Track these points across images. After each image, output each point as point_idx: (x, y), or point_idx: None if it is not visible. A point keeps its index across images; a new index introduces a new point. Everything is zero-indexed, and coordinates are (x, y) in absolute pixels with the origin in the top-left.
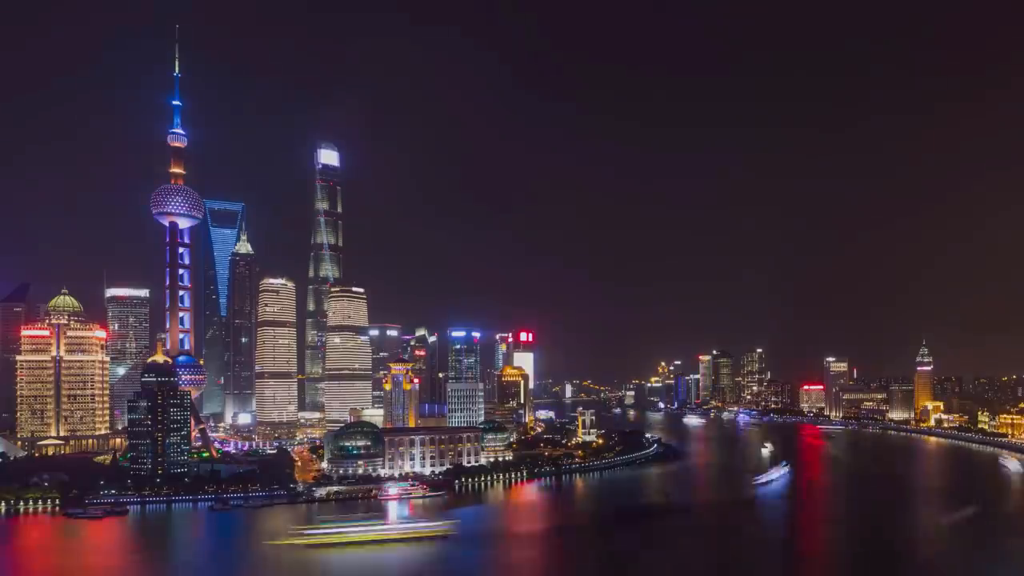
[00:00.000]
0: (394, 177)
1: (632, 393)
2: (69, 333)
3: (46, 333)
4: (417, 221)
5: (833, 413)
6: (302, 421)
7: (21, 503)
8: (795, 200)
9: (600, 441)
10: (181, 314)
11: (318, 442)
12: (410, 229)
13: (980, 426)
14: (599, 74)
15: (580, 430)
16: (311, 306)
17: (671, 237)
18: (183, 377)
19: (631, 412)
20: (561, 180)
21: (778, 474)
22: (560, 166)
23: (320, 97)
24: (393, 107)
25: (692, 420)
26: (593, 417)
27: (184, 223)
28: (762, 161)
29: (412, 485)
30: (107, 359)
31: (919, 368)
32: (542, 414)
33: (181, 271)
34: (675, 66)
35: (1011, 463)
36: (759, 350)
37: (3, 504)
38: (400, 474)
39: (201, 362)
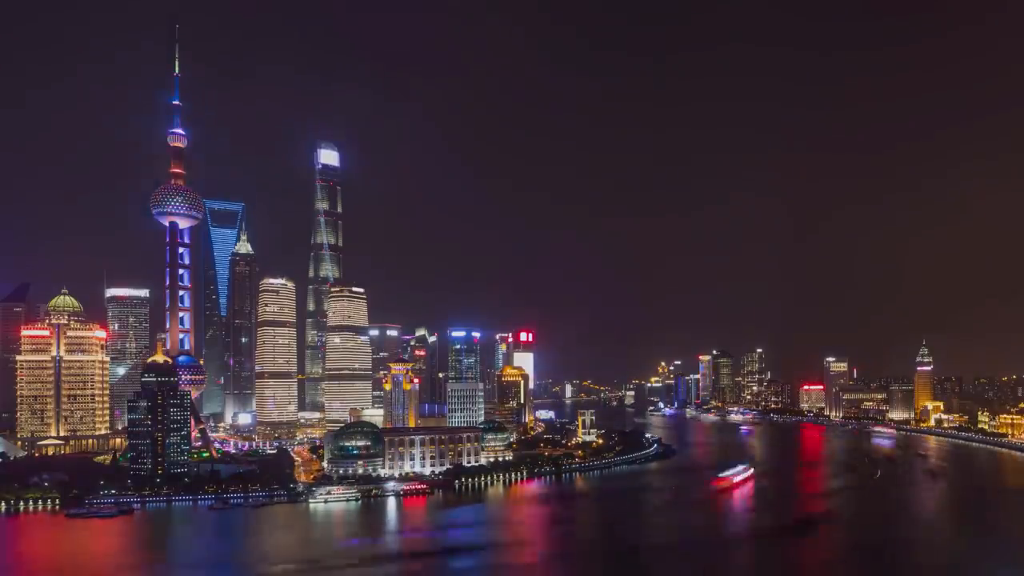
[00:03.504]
0: (394, 177)
1: (632, 393)
2: (69, 333)
3: (46, 333)
4: (417, 221)
5: (833, 413)
6: (302, 421)
7: (21, 503)
8: (795, 200)
9: (600, 441)
10: (181, 314)
11: (318, 442)
12: (410, 229)
13: (980, 426)
14: (598, 88)
15: (580, 430)
16: (311, 306)
17: (670, 236)
18: (183, 377)
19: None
20: (561, 180)
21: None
22: (560, 167)
23: (320, 97)
24: (393, 106)
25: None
26: (593, 417)
27: (184, 223)
28: (762, 160)
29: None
30: (107, 359)
31: (919, 368)
32: (542, 414)
33: (181, 271)
34: (671, 65)
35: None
36: (759, 350)
37: (3, 504)
38: (400, 474)
39: (201, 362)
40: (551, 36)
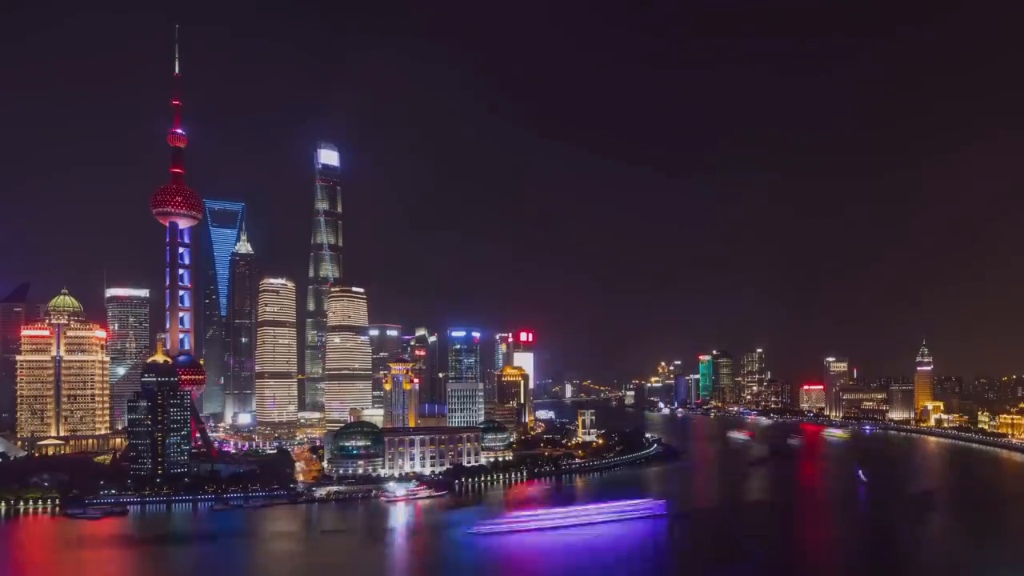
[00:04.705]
0: (394, 177)
1: (632, 393)
2: (69, 333)
3: (46, 333)
4: (417, 221)
5: (833, 413)
6: (302, 421)
7: (21, 503)
8: (794, 199)
9: (600, 441)
10: (181, 314)
11: (318, 442)
12: (410, 229)
13: (980, 426)
14: (596, 76)
15: (580, 430)
16: (311, 306)
17: (670, 237)
18: (183, 377)
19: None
20: (560, 180)
21: None
22: (559, 166)
23: (320, 97)
24: (393, 107)
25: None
26: (593, 417)
27: (184, 223)
28: (760, 161)
29: (416, 486)
30: (107, 359)
31: (919, 368)
32: (542, 414)
33: (181, 271)
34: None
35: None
36: (759, 350)
37: (3, 504)
38: (400, 474)
39: (201, 362)
40: (550, 37)
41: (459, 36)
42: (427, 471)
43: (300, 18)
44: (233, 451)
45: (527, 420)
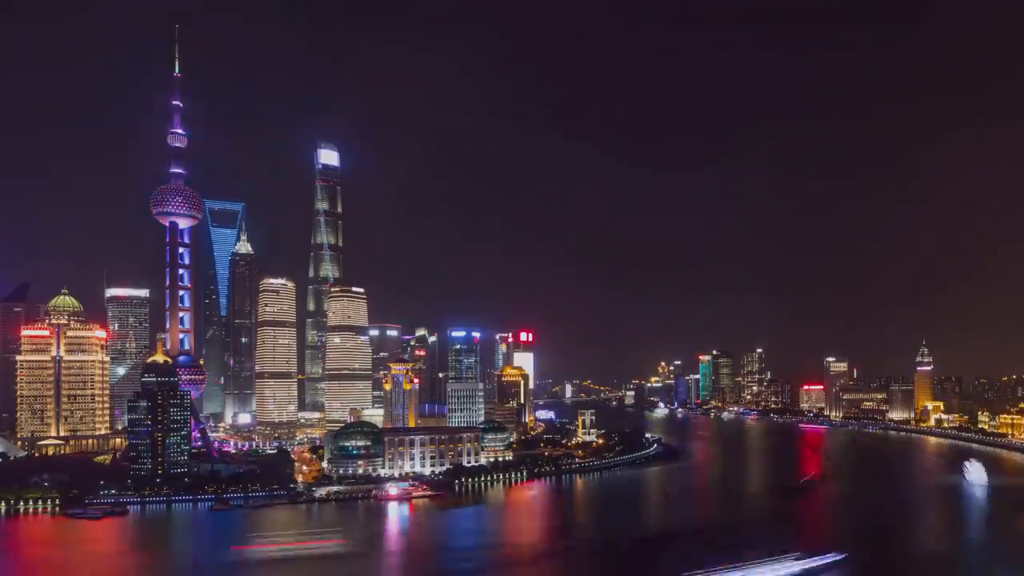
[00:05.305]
0: (394, 177)
1: (632, 393)
2: (69, 333)
3: (46, 333)
4: (417, 221)
5: (833, 413)
6: (302, 421)
7: (21, 503)
8: (794, 200)
9: (600, 441)
10: (181, 314)
11: (318, 442)
12: (410, 229)
13: (980, 426)
14: (597, 78)
15: (580, 430)
16: (311, 306)
17: (671, 237)
18: (183, 377)
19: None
20: (560, 181)
21: None
22: (560, 167)
23: (320, 98)
24: (393, 107)
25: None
26: (593, 417)
27: (184, 223)
28: (760, 161)
29: (412, 485)
30: (107, 359)
31: (919, 368)
32: (542, 414)
33: (181, 271)
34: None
35: None
36: (759, 350)
37: (3, 504)
38: (400, 474)
39: (201, 362)
40: (550, 36)
41: (461, 33)
42: (427, 471)
43: (301, 18)
44: (233, 451)
45: (527, 420)
